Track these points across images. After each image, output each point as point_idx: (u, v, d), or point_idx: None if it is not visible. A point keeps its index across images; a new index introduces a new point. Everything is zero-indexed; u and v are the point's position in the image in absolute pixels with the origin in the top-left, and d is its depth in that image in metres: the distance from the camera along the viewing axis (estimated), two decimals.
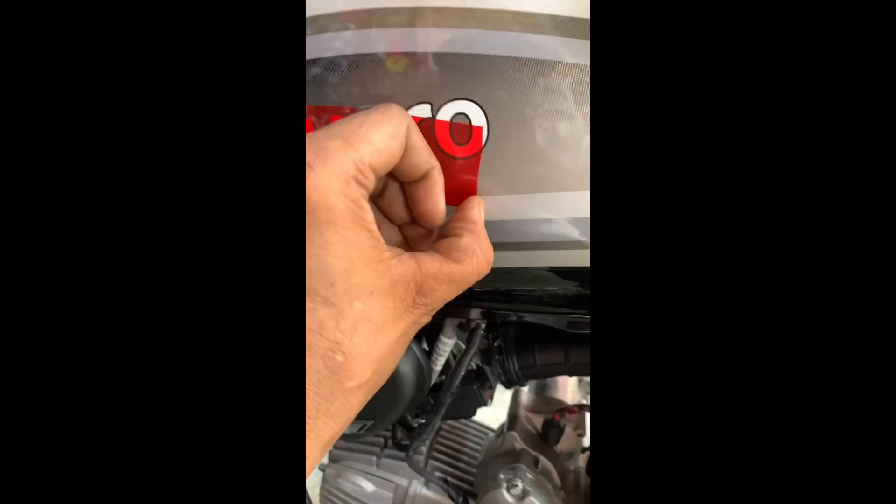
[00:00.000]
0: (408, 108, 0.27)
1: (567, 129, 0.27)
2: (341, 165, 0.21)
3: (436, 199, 0.26)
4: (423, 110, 0.27)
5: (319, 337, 0.20)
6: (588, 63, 0.26)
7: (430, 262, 0.24)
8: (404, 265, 0.23)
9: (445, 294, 0.24)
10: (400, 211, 0.28)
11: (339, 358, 0.21)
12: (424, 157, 0.25)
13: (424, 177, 0.26)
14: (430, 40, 0.27)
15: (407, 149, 0.24)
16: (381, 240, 0.23)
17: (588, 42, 0.25)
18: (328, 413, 0.21)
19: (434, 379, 0.46)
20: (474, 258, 0.25)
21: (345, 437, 0.48)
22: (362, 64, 0.28)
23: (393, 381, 0.42)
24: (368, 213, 0.22)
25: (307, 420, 0.20)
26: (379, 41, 0.27)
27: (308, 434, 0.20)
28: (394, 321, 0.22)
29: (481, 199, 0.27)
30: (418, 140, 0.24)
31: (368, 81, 0.28)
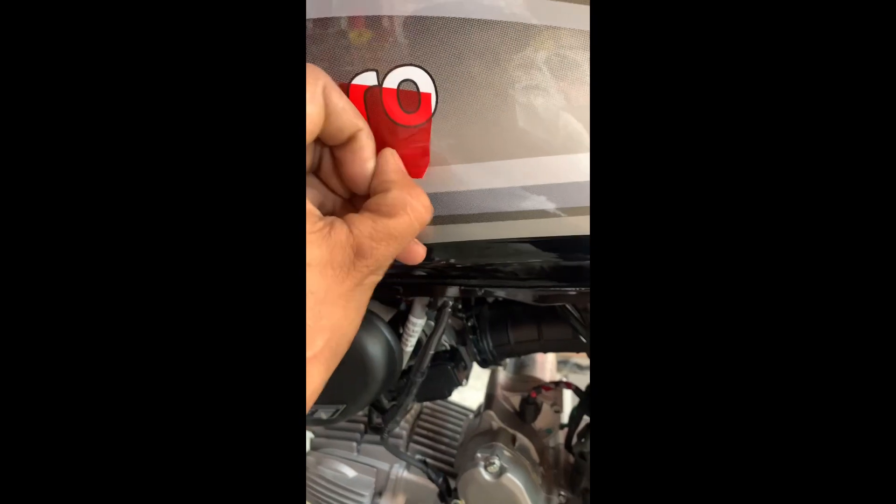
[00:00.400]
0: (352, 77, 0.26)
1: (530, 94, 0.26)
2: None
3: (363, 164, 0.25)
4: (369, 78, 0.26)
5: None
6: (556, 24, 0.25)
7: (363, 223, 0.23)
8: (337, 231, 0.22)
9: (387, 251, 0.24)
10: (339, 183, 0.27)
11: None
12: (348, 119, 0.24)
13: (350, 140, 0.24)
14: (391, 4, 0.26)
15: (327, 112, 0.22)
16: (314, 211, 0.22)
17: (555, 2, 0.25)
18: None
19: (406, 361, 0.46)
20: (408, 208, 0.24)
21: (319, 422, 0.48)
22: (325, 36, 0.27)
23: (363, 365, 0.41)
24: None
25: None
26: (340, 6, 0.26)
27: None
28: (336, 288, 0.22)
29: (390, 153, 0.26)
30: (339, 101, 0.23)
31: (335, 54, 0.27)
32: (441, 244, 0.32)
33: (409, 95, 0.26)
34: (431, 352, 0.41)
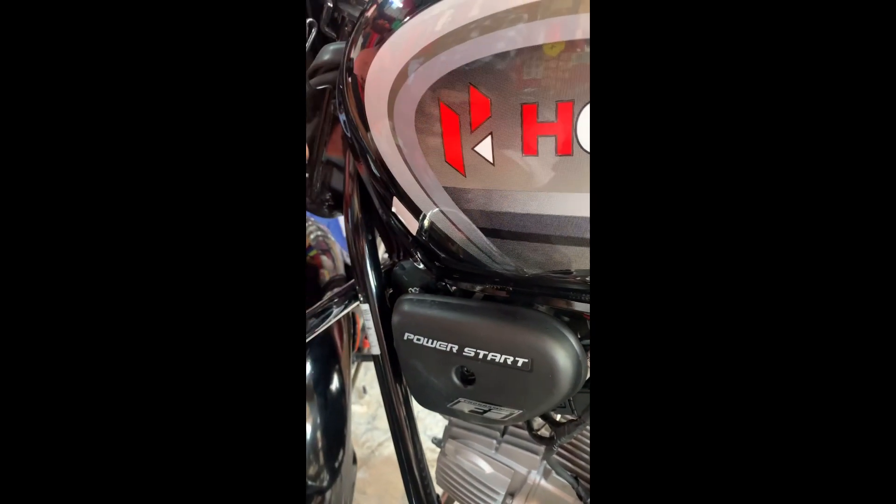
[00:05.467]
0: None
1: None
2: None
3: None
4: None
5: None
6: None
7: None
8: None
9: None
10: None
11: None
12: None
13: None
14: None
15: None
16: None
17: None
18: None
19: (587, 377, 0.45)
20: None
21: (488, 421, 0.49)
22: (525, 52, 0.28)
23: (552, 376, 0.42)
24: None
25: None
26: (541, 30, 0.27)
27: None
28: None
29: None
30: None
31: (525, 67, 0.28)
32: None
33: None
34: None
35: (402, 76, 0.32)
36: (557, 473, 0.55)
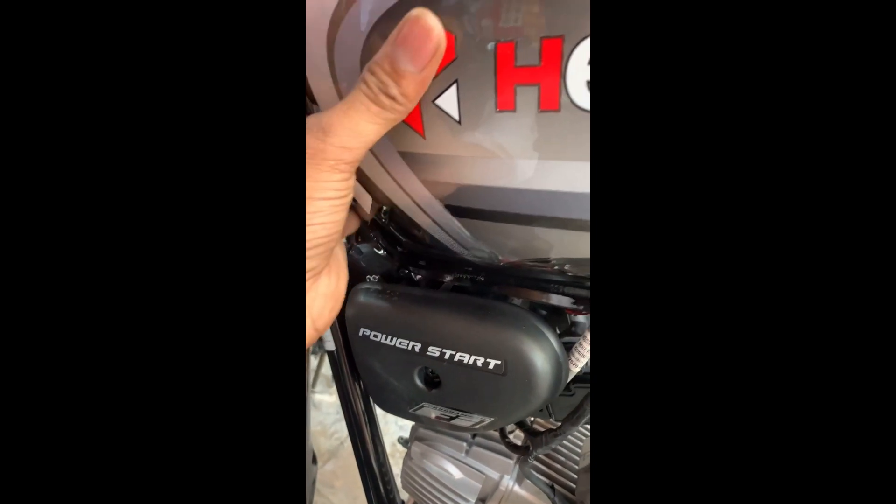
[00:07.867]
0: None
1: None
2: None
3: None
4: None
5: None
6: None
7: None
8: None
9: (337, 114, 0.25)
10: None
11: None
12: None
13: None
14: None
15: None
16: None
17: None
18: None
19: (568, 381, 0.39)
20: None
21: (455, 428, 0.43)
22: None
23: (528, 381, 0.36)
24: None
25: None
26: None
27: None
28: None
29: None
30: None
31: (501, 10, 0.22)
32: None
33: None
34: None
35: (341, 8, 0.25)
36: (532, 481, 0.49)
